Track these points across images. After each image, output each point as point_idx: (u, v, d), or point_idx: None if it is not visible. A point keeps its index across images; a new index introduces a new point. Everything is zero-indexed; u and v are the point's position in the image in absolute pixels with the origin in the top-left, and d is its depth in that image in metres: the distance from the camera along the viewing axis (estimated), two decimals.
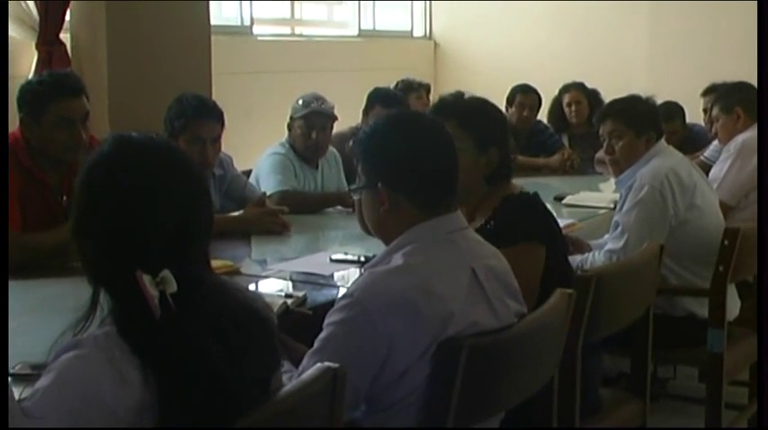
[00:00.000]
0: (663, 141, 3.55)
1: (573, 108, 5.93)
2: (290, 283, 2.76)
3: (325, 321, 1.87)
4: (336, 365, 1.57)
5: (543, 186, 4.08)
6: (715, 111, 4.59)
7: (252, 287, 2.66)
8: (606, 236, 3.47)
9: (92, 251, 1.47)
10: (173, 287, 1.39)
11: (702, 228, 3.32)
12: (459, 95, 2.74)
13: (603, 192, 4.67)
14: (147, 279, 1.39)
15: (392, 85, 5.32)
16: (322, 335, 1.86)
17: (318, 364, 1.60)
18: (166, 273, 1.40)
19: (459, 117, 2.62)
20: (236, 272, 2.84)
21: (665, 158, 3.42)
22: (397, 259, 1.90)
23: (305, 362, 1.85)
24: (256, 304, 1.55)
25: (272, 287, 2.72)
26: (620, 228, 3.31)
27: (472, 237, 2.04)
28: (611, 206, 3.93)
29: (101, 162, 1.48)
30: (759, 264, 2.71)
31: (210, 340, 1.41)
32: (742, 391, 3.49)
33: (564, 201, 4.31)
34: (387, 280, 1.85)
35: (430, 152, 1.99)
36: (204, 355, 1.39)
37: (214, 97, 5.10)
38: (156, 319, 1.38)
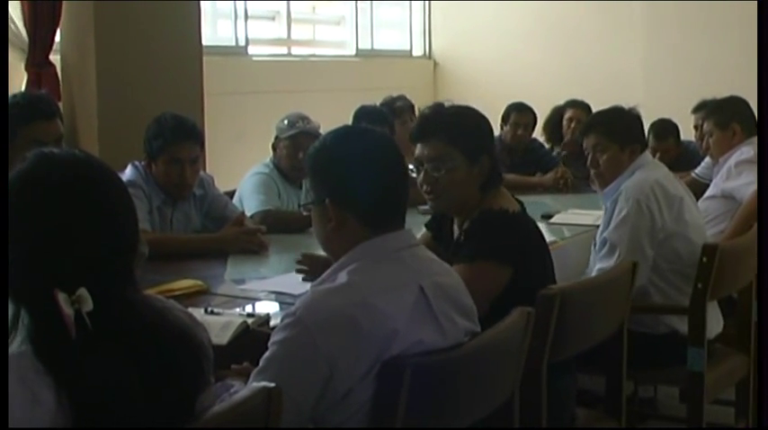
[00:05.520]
0: (647, 153, 3.51)
1: (572, 125, 5.90)
2: (255, 303, 2.73)
3: (270, 340, 1.85)
4: (272, 385, 1.55)
5: (536, 204, 4.04)
6: (708, 126, 4.47)
7: (220, 307, 2.63)
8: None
9: (11, 268, 1.45)
10: (88, 305, 1.37)
11: (689, 243, 3.24)
12: (438, 109, 2.69)
13: (597, 210, 4.61)
14: (62, 297, 1.36)
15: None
16: (266, 354, 1.84)
17: (254, 384, 1.57)
18: (83, 291, 1.37)
19: (446, 133, 2.60)
20: (206, 291, 2.82)
21: (649, 171, 3.36)
22: (342, 277, 1.87)
23: (249, 381, 1.82)
24: (183, 322, 1.52)
25: (238, 307, 2.69)
26: (608, 246, 3.24)
27: (423, 255, 2.01)
28: (599, 223, 3.87)
29: (18, 179, 1.45)
30: (759, 264, 2.67)
31: (126, 360, 1.38)
32: (729, 411, 3.43)
33: (551, 220, 4.27)
34: (328, 297, 1.83)
35: (377, 168, 1.95)
36: (118, 376, 1.36)
37: (207, 117, 5.13)
38: (71, 339, 1.36)
